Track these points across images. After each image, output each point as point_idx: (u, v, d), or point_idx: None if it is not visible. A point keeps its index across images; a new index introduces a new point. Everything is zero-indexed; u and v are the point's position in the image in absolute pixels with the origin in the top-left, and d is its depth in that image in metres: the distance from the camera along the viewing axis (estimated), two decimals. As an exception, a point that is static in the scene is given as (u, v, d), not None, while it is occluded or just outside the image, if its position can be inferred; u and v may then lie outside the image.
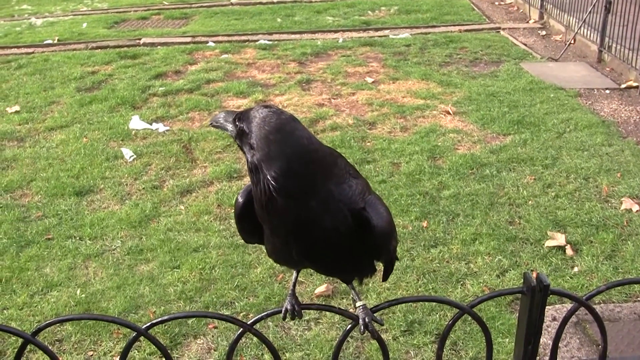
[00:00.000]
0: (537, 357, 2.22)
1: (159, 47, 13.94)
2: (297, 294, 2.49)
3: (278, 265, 2.64)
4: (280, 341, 5.26)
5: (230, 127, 2.18)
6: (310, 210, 2.06)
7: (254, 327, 2.18)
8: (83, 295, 5.89)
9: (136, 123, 9.58)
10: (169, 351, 2.13)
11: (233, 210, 2.36)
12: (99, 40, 14.53)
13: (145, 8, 18.00)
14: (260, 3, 18.14)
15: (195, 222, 7.05)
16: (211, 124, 2.25)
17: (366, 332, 2.28)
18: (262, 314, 2.24)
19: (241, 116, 2.13)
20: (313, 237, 2.12)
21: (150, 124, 9.60)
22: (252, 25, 15.75)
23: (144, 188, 7.79)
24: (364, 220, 2.14)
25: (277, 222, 2.11)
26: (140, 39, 14.52)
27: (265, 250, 2.43)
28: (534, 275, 2.12)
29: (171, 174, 8.12)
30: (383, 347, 2.24)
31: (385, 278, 2.44)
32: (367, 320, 2.27)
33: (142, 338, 2.12)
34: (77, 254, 6.52)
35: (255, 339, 5.23)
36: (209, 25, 15.93)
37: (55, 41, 14.61)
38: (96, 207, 7.44)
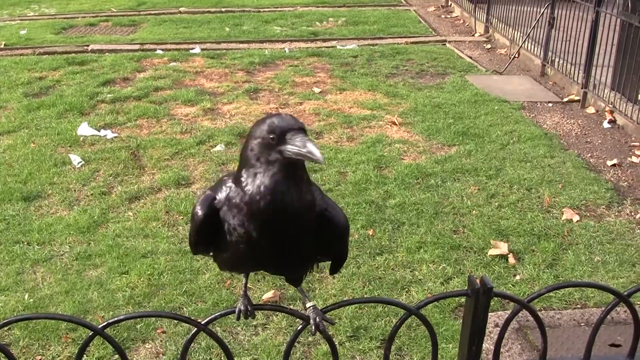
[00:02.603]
0: (480, 361, 2.30)
1: (107, 54, 13.87)
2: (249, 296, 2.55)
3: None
4: (228, 346, 5.31)
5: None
6: (303, 206, 2.19)
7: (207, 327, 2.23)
8: (31, 300, 5.87)
9: (84, 129, 9.55)
10: (119, 354, 2.17)
11: (191, 223, 2.33)
12: (47, 46, 14.41)
13: (94, 14, 17.88)
14: (209, 12, 18.12)
15: (144, 229, 7.07)
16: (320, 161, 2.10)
17: (317, 332, 2.33)
18: (217, 314, 2.27)
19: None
20: (292, 235, 2.21)
21: (99, 131, 9.57)
22: (200, 33, 15.74)
23: (92, 194, 7.78)
24: (326, 219, 2.26)
25: (266, 222, 2.16)
26: (88, 46, 14.45)
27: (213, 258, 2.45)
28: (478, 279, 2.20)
29: (119, 181, 8.12)
30: (333, 347, 2.28)
31: (336, 271, 2.52)
32: (317, 320, 2.32)
33: (90, 343, 2.16)
34: (25, 259, 6.50)
35: (203, 343, 5.28)
36: (157, 33, 15.88)
37: (2, 46, 14.49)
38: (44, 213, 7.42)
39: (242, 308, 2.44)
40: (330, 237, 2.31)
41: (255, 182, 2.13)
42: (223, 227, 2.24)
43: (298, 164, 2.13)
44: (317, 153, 2.06)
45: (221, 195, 2.24)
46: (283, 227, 2.17)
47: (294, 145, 2.09)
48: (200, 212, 2.27)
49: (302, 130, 2.12)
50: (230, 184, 2.23)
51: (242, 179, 2.16)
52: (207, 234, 2.29)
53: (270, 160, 2.11)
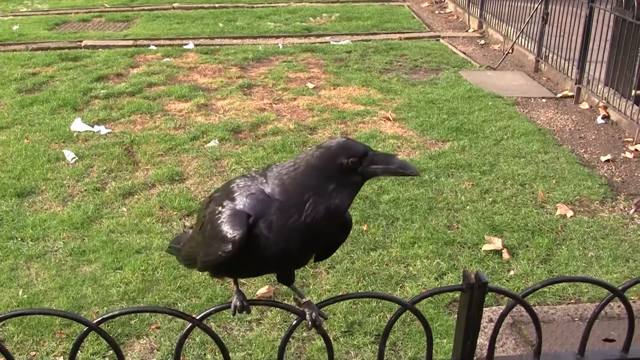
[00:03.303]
0: (475, 357, 2.30)
1: (100, 49, 13.87)
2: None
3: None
4: (222, 341, 5.31)
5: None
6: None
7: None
8: (25, 296, 5.87)
9: (78, 125, 9.53)
10: (114, 350, 2.16)
11: (216, 245, 2.17)
12: (40, 42, 14.40)
13: (87, 10, 17.84)
14: (202, 7, 18.10)
15: (138, 224, 7.06)
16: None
17: (312, 328, 2.32)
18: (212, 309, 2.26)
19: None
20: (319, 243, 2.24)
21: (92, 127, 9.56)
22: (193, 29, 15.72)
23: (86, 190, 7.77)
24: None
25: (319, 236, 2.16)
26: (81, 41, 14.42)
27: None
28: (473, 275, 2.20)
29: (113, 176, 8.12)
30: (328, 343, 2.28)
31: (323, 259, 2.53)
32: (313, 315, 2.30)
33: (85, 338, 2.15)
34: (19, 255, 6.50)
35: (197, 338, 5.28)
36: (150, 28, 15.86)
37: (-5, 42, 14.48)
38: (38, 209, 7.41)
39: (237, 304, 2.43)
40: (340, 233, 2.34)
41: (329, 203, 2.09)
42: (250, 245, 2.15)
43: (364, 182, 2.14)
44: (410, 166, 2.06)
45: (256, 212, 2.14)
46: (323, 239, 2.22)
47: (380, 165, 2.09)
48: (238, 235, 2.12)
49: (372, 150, 2.12)
50: (267, 199, 2.15)
51: (307, 201, 2.10)
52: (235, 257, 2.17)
53: (347, 183, 2.10)
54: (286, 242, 2.13)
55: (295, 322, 2.28)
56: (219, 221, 2.18)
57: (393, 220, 7.16)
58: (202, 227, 2.30)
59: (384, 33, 15.59)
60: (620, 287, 2.23)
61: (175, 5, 18.32)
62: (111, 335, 5.27)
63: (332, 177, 2.09)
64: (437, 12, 18.30)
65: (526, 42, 13.25)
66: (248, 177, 2.25)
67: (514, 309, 5.53)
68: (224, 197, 2.24)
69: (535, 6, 12.58)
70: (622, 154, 8.97)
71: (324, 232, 2.15)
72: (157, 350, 5.28)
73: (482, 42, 15.13)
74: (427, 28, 16.37)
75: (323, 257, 2.50)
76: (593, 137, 9.60)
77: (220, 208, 2.21)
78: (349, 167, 2.08)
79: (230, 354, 5.11)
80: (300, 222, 2.10)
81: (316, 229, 2.11)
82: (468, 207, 7.43)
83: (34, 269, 6.32)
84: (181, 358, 5.06)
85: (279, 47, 14.17)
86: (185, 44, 14.26)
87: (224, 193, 2.27)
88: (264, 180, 2.19)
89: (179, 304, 5.77)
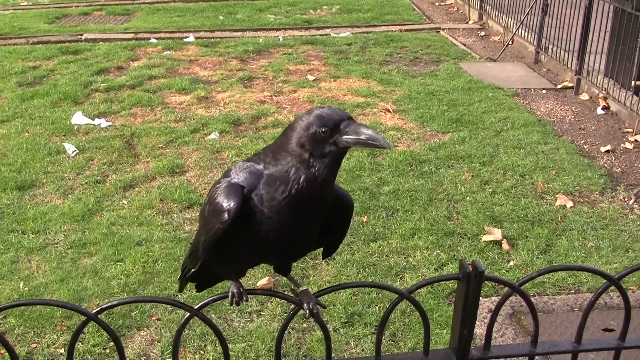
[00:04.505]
0: (473, 346, 2.31)
1: (100, 43, 13.87)
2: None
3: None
4: (221, 331, 5.32)
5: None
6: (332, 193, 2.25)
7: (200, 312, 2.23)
8: (26, 289, 5.88)
9: (79, 118, 9.54)
10: (113, 341, 2.17)
11: (213, 218, 2.19)
12: (40, 35, 14.40)
13: (87, 4, 17.83)
14: (203, 0, 18.08)
15: (138, 217, 7.07)
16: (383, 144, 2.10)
17: (310, 317, 2.32)
18: (209, 299, 2.27)
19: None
20: (316, 219, 2.25)
21: (93, 120, 9.57)
22: (194, 22, 15.72)
23: (86, 183, 7.78)
24: (337, 199, 2.31)
25: (308, 209, 2.17)
26: (82, 35, 14.42)
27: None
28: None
29: (114, 169, 8.13)
30: (325, 332, 2.28)
31: (330, 254, 2.54)
32: (311, 304, 2.31)
33: (86, 330, 2.16)
34: (20, 248, 6.51)
35: (198, 330, 5.30)
36: (151, 21, 15.86)
37: (-5, 35, 14.47)
38: (39, 201, 7.42)
39: (235, 291, 2.44)
40: (337, 216, 2.35)
41: (309, 173, 2.11)
42: (247, 220, 2.18)
43: (344, 152, 2.15)
44: (379, 138, 2.06)
45: (249, 185, 2.18)
46: (316, 213, 2.21)
47: (351, 135, 2.09)
48: (232, 203, 2.15)
49: (352, 119, 2.12)
50: (258, 172, 2.19)
51: (289, 171, 2.12)
52: (233, 229, 2.18)
53: (325, 153, 2.11)
54: (278, 214, 2.15)
55: (292, 311, 2.29)
56: (215, 195, 2.22)
57: (393, 211, 7.17)
58: (203, 211, 2.35)
59: (384, 25, 15.59)
60: (616, 276, 2.24)
61: (175, -3, 18.32)
62: (112, 327, 5.28)
63: (308, 145, 2.11)
64: (437, 4, 18.29)
65: (526, 33, 13.25)
66: (248, 158, 2.30)
67: (514, 299, 5.55)
68: (222, 176, 2.29)
69: (535, -3, 12.59)
70: (622, 145, 8.98)
71: (313, 203, 2.17)
72: (158, 342, 5.29)
73: (482, 33, 15.12)
74: (427, 20, 16.37)
75: (329, 251, 2.52)
76: (593, 127, 9.60)
77: (217, 185, 2.26)
78: (321, 137, 2.10)
79: (230, 345, 5.13)
80: (286, 194, 2.13)
81: (303, 199, 2.13)
82: (468, 198, 7.44)
83: (35, 261, 6.33)
84: (181, 349, 5.09)
85: (279, 39, 14.18)
86: (186, 37, 14.27)
87: (223, 174, 2.32)
88: (260, 157, 2.23)
89: (179, 296, 5.77)
